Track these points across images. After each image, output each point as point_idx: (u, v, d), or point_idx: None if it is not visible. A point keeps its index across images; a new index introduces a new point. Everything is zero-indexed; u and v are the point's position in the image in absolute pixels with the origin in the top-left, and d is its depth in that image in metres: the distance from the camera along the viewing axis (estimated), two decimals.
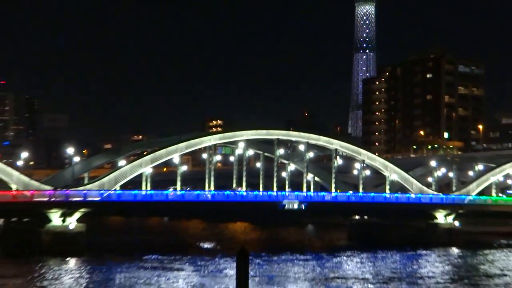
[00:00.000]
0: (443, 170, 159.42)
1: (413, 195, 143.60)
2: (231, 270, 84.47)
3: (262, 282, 79.00)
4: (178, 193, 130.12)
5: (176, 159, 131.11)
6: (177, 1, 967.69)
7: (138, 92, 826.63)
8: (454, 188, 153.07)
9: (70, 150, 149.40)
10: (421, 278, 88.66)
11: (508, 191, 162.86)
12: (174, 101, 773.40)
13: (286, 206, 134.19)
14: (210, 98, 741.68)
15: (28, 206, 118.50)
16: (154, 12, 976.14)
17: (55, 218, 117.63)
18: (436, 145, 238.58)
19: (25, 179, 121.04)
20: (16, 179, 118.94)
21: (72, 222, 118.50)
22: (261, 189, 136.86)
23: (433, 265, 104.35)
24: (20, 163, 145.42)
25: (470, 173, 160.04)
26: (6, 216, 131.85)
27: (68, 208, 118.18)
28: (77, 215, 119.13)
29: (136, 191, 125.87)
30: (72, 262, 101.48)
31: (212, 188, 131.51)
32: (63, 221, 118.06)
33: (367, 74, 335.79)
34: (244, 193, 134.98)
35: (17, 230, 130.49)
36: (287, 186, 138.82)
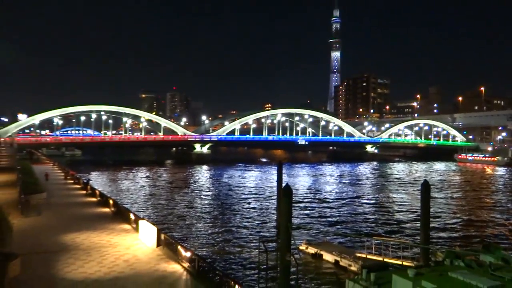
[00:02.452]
0: (370, 127, 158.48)
1: (356, 138, 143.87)
2: (274, 171, 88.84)
3: (289, 176, 79.92)
4: (251, 136, 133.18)
5: (250, 121, 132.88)
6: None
7: (232, 85, 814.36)
8: (375, 135, 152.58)
9: (203, 118, 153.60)
10: (359, 174, 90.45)
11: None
12: (248, 91, 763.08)
13: (299, 143, 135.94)
14: (265, 89, 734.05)
15: (185, 142, 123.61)
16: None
17: (197, 147, 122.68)
18: (367, 116, 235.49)
19: (184, 130, 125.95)
20: (180, 131, 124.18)
21: (204, 149, 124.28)
22: (288, 135, 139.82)
23: (365, 169, 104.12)
24: (181, 124, 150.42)
25: (383, 128, 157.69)
26: (176, 146, 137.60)
27: (203, 143, 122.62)
28: (207, 146, 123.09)
29: (232, 136, 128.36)
30: (204, 167, 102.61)
31: (266, 134, 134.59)
32: (201, 148, 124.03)
33: (336, 83, 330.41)
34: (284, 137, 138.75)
35: (181, 153, 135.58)
36: (299, 133, 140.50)
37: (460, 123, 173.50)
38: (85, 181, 41.42)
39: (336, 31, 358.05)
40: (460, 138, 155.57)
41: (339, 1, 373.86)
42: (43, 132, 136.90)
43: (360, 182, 73.34)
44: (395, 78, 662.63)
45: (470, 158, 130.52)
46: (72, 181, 45.95)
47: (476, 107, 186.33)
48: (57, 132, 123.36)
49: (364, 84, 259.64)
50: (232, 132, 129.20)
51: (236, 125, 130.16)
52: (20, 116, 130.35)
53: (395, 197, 55.44)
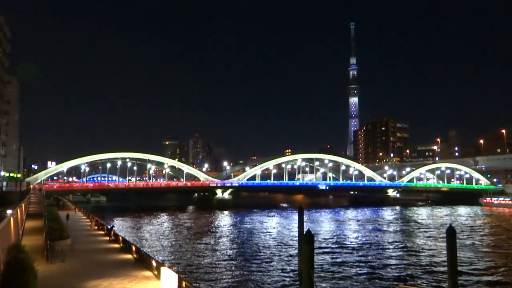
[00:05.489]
0: (390, 171, 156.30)
1: (377, 182, 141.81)
2: (295, 216, 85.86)
3: (310, 222, 79.02)
4: (272, 181, 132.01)
5: (270, 167, 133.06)
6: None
7: (253, 131, 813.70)
8: (396, 179, 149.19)
9: (225, 163, 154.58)
10: (381, 219, 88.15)
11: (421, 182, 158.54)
12: (268, 137, 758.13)
13: (319, 187, 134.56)
14: (285, 135, 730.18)
15: (207, 188, 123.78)
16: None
17: (219, 192, 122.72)
18: (387, 160, 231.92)
19: (206, 176, 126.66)
20: (202, 176, 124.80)
21: (226, 194, 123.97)
22: (308, 180, 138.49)
23: (387, 214, 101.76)
24: (203, 169, 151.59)
25: (403, 172, 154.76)
26: (198, 192, 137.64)
27: (224, 188, 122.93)
28: (228, 191, 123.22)
29: (253, 181, 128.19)
30: (226, 212, 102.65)
31: (286, 179, 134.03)
32: (222, 194, 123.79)
33: (355, 128, 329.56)
34: (302, 181, 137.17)
35: (202, 198, 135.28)
36: (320, 178, 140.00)
37: (483, 166, 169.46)
38: (109, 227, 41.50)
39: (353, 77, 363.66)
40: (484, 182, 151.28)
41: (356, 48, 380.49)
42: (70, 179, 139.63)
43: (383, 228, 71.04)
44: (414, 122, 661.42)
45: (496, 202, 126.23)
46: (96, 227, 46.19)
47: (499, 150, 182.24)
48: (84, 179, 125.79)
49: (383, 128, 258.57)
50: (253, 178, 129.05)
51: (257, 170, 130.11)
52: (49, 163, 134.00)
53: (420, 243, 53.23)
